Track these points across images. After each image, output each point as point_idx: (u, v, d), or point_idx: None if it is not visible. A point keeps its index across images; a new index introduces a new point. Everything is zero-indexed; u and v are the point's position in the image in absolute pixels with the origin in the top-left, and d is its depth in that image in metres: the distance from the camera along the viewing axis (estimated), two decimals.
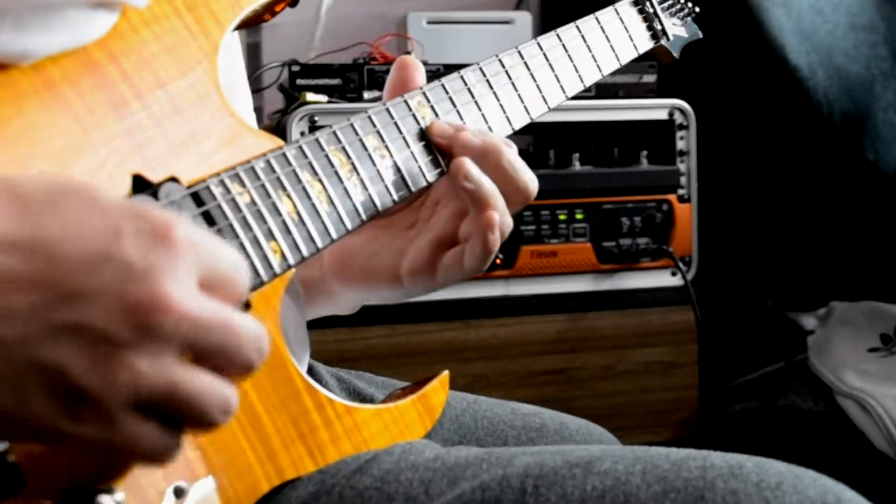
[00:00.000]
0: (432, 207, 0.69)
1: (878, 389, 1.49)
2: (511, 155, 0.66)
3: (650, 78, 1.64)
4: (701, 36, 0.96)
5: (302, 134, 1.39)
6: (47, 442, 0.42)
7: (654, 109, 1.58)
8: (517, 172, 0.66)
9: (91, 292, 0.40)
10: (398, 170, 0.65)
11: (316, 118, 1.40)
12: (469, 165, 0.64)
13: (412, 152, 0.66)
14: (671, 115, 1.58)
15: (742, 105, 1.82)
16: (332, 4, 1.93)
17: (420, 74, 0.70)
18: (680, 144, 1.58)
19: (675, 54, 0.92)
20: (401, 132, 0.65)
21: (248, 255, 0.54)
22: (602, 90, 1.59)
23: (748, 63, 1.76)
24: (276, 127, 1.45)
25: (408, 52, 1.63)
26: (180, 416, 0.43)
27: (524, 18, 1.80)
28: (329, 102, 1.46)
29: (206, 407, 0.43)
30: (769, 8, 1.71)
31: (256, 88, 1.67)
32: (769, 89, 1.75)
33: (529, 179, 0.67)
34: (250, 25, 0.64)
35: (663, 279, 1.58)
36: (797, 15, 1.73)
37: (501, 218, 0.65)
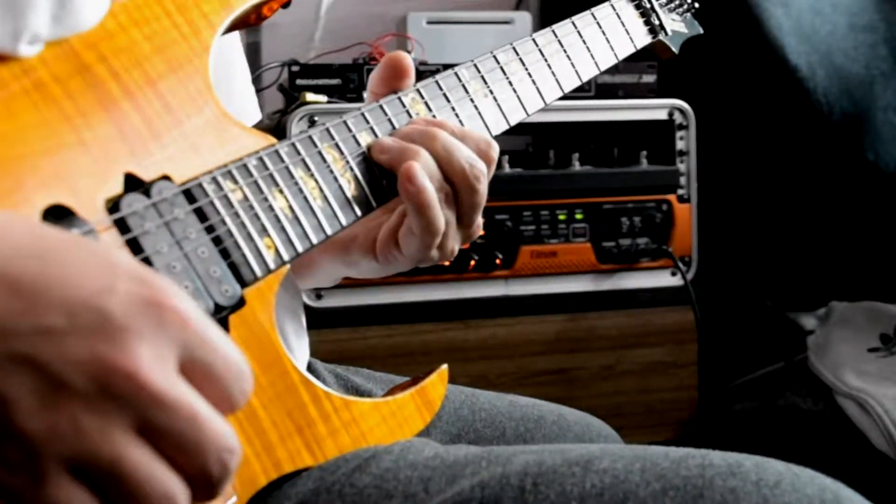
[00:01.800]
0: None
1: (877, 389, 1.49)
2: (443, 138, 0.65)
3: (650, 78, 1.64)
4: (701, 32, 0.95)
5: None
6: None
7: (653, 109, 1.58)
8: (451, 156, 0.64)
9: (61, 333, 0.38)
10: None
11: (316, 118, 1.40)
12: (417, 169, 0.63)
13: None
14: (671, 115, 1.58)
15: (742, 105, 1.82)
16: (332, 4, 1.93)
17: (410, 80, 0.69)
18: (680, 144, 1.58)
19: (675, 50, 0.92)
20: (394, 128, 0.66)
21: (241, 251, 0.54)
22: (602, 90, 1.59)
23: (748, 63, 1.76)
24: (276, 127, 1.46)
25: (407, 52, 1.63)
26: (117, 496, 0.39)
27: (524, 18, 1.81)
28: (329, 102, 1.46)
29: (146, 496, 0.39)
30: (769, 8, 1.71)
31: (256, 88, 1.67)
32: (769, 89, 1.75)
33: (466, 160, 0.65)
34: (240, 27, 0.65)
35: (663, 279, 1.58)
36: (797, 15, 1.73)
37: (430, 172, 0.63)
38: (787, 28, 1.71)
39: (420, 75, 1.66)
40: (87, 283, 0.39)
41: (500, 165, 1.51)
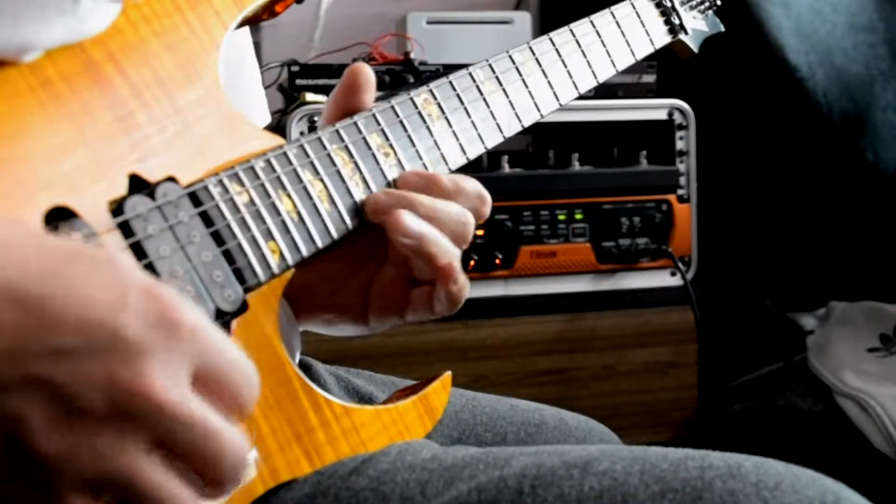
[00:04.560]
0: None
1: (877, 389, 1.49)
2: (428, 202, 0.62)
3: (650, 78, 1.63)
4: (723, 29, 0.94)
5: (301, 134, 1.39)
6: None
7: (653, 109, 1.58)
8: (442, 213, 0.62)
9: (75, 353, 0.38)
10: (403, 168, 0.64)
11: (316, 118, 1.40)
12: (406, 219, 0.60)
13: (417, 151, 0.65)
14: (670, 115, 1.58)
15: (742, 105, 1.81)
16: (332, 4, 1.93)
17: (370, 94, 0.65)
18: (679, 144, 1.58)
19: (695, 49, 0.90)
20: (406, 130, 0.65)
21: (245, 255, 0.54)
22: (601, 90, 1.57)
23: (748, 63, 1.76)
24: (276, 127, 1.45)
25: (407, 53, 1.64)
26: None
27: (524, 18, 1.80)
28: None
29: None
30: (769, 8, 1.71)
31: None
32: (769, 89, 1.75)
33: (457, 223, 0.62)
34: (250, 24, 0.64)
35: (663, 279, 1.58)
36: (797, 15, 1.73)
37: (452, 259, 0.61)
38: (787, 28, 1.71)
39: (419, 75, 1.66)
40: (99, 300, 0.39)
41: (500, 165, 1.52)
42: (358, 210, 0.61)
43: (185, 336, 0.41)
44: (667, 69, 1.64)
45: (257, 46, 1.87)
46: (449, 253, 0.61)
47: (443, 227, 0.62)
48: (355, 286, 0.67)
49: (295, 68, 1.54)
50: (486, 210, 0.65)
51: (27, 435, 0.38)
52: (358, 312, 0.67)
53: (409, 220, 0.60)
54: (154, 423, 0.39)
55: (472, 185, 0.64)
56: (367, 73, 0.65)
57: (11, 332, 0.38)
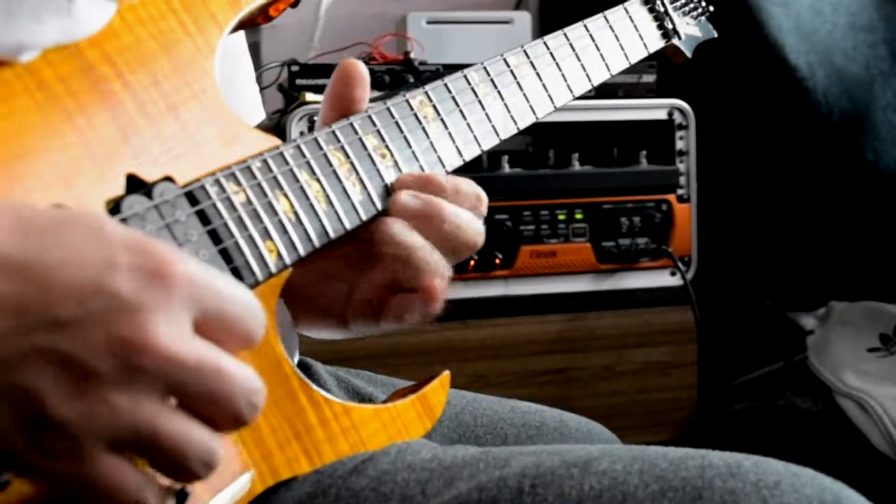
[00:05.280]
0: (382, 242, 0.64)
1: (877, 389, 1.49)
2: (453, 215, 0.62)
3: (649, 78, 1.64)
4: (715, 35, 0.95)
5: (301, 134, 1.39)
6: (17, 472, 0.41)
7: (653, 109, 1.58)
8: (461, 232, 0.62)
9: (76, 322, 0.39)
10: (399, 170, 0.64)
11: (316, 118, 1.40)
12: (395, 227, 0.61)
13: (413, 152, 0.65)
14: (670, 114, 1.58)
15: (742, 105, 1.82)
16: (332, 4, 1.93)
17: (363, 89, 0.66)
18: (679, 144, 1.58)
19: (688, 54, 0.91)
20: (402, 132, 0.65)
21: (243, 254, 0.54)
22: (601, 90, 1.57)
23: (748, 63, 1.76)
24: (276, 127, 1.45)
25: (407, 53, 1.64)
26: (158, 462, 0.42)
27: (524, 18, 1.81)
28: None
29: (186, 456, 0.42)
30: (769, 8, 1.71)
31: None
32: (769, 89, 1.75)
33: (474, 234, 0.63)
34: (247, 27, 0.64)
35: (662, 279, 1.58)
36: (797, 15, 1.73)
37: (438, 271, 0.62)
38: (787, 28, 1.71)
39: (419, 75, 1.66)
40: (89, 263, 0.40)
41: (499, 165, 1.52)
42: (355, 210, 0.61)
43: (180, 286, 0.41)
44: (667, 69, 1.64)
45: (257, 46, 1.87)
46: (438, 269, 0.62)
47: (464, 233, 0.63)
48: (340, 289, 0.67)
49: (295, 68, 1.53)
50: (484, 210, 0.66)
51: (43, 406, 0.39)
52: (341, 316, 0.67)
53: (401, 230, 0.61)
54: (163, 375, 0.40)
55: (469, 185, 0.65)
56: (360, 67, 0.66)
57: (12, 306, 0.39)
